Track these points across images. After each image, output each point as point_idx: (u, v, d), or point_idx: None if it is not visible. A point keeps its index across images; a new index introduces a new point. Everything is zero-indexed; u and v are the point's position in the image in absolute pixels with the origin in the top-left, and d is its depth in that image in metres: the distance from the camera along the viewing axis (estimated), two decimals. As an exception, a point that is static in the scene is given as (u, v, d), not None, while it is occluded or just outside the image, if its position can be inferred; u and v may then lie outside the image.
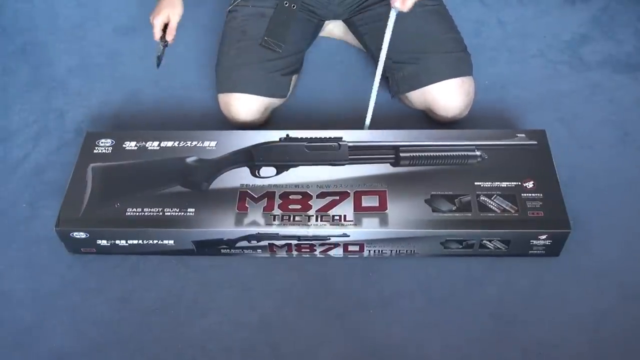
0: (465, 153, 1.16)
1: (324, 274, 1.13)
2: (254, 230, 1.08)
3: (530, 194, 1.10)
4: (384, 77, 1.32)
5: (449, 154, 1.16)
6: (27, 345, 1.06)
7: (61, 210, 1.11)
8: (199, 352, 1.04)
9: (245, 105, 1.28)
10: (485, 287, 1.10)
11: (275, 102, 1.33)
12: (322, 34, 1.54)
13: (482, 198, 1.10)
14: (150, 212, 1.10)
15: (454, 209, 1.09)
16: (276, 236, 1.09)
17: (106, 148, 1.20)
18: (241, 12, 1.32)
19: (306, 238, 1.09)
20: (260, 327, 1.07)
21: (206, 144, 1.20)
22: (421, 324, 1.06)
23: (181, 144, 1.20)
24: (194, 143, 1.20)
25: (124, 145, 1.21)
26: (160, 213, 1.10)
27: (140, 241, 1.11)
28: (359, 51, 1.52)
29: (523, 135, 1.19)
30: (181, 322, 1.08)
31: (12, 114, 1.44)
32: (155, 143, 1.21)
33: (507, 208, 1.08)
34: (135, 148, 1.20)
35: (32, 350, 1.05)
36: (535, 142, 1.18)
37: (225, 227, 1.08)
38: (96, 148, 1.20)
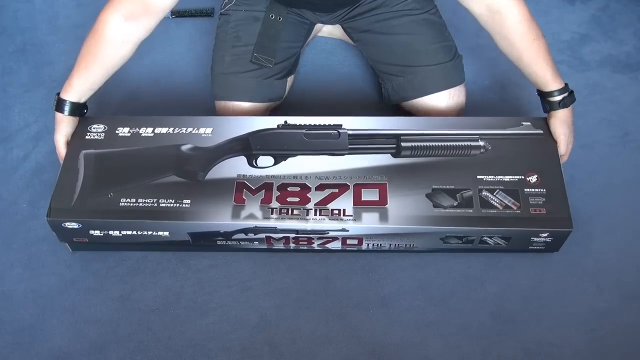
0: (469, 143, 1.12)
1: (323, 273, 1.13)
2: (251, 223, 1.06)
3: (533, 189, 1.08)
4: (378, 82, 1.31)
5: (451, 144, 1.12)
6: (27, 345, 1.06)
7: (52, 199, 1.07)
8: (199, 352, 1.04)
9: (242, 112, 1.28)
10: (485, 286, 1.10)
11: (272, 104, 1.33)
12: (322, 34, 1.54)
13: (484, 193, 1.08)
14: (144, 202, 1.07)
15: (455, 204, 1.06)
16: (274, 230, 1.07)
17: (98, 134, 1.17)
18: (234, 16, 1.30)
19: (304, 232, 1.08)
20: (259, 326, 1.07)
21: (202, 130, 1.16)
22: (421, 323, 1.06)
23: (176, 131, 1.17)
24: (189, 129, 1.17)
25: (116, 132, 1.17)
26: (155, 204, 1.07)
27: (135, 232, 1.09)
28: (359, 51, 1.51)
29: (529, 123, 1.16)
30: (181, 322, 1.08)
31: (12, 114, 1.44)
32: (149, 129, 1.17)
33: (509, 204, 1.07)
34: (129, 134, 1.17)
35: (32, 350, 1.05)
36: (542, 132, 1.14)
37: (222, 220, 1.06)
38: (88, 134, 1.17)
